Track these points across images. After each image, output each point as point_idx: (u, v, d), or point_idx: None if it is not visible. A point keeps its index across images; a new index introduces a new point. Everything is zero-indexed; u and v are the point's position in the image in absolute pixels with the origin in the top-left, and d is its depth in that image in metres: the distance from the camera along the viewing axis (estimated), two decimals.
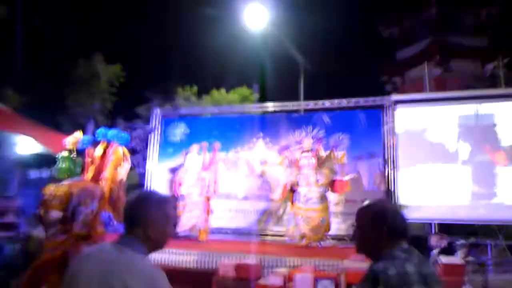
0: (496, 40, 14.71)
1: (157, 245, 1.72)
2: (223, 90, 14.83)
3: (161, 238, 1.71)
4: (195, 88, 14.42)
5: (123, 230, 1.71)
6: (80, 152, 6.46)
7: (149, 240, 1.66)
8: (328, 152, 7.64)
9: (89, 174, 5.57)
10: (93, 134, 6.28)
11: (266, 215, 8.98)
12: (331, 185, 7.41)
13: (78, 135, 6.35)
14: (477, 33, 15.61)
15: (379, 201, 1.85)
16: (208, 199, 7.97)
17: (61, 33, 11.77)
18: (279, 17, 12.63)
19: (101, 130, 6.25)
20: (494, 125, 8.08)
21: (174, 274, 5.54)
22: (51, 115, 9.93)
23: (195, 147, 8.24)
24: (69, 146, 5.72)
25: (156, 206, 1.70)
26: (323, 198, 7.26)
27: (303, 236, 7.23)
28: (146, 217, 1.67)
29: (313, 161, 7.37)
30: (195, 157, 8.11)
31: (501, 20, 15.23)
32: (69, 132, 9.23)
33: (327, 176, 7.37)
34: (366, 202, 1.78)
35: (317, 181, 7.27)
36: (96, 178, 5.66)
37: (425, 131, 8.51)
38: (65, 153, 4.62)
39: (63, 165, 4.47)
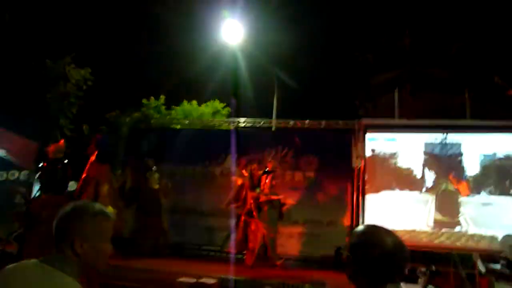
0: (465, 73, 15.24)
1: (90, 265, 1.50)
2: (194, 102, 14.63)
3: (94, 256, 1.48)
4: (162, 99, 14.08)
5: (54, 244, 1.49)
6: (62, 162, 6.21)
7: (79, 258, 1.45)
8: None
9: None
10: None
11: (229, 231, 8.77)
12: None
13: (62, 144, 6.07)
14: (447, 66, 16.14)
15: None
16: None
17: (27, 32, 11.35)
18: (254, 34, 12.69)
19: None
20: (460, 155, 8.23)
21: None
22: (12, 117, 9.46)
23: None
24: (53, 155, 5.42)
25: (88, 219, 1.48)
26: (276, 218, 7.55)
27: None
28: (76, 231, 1.45)
29: (270, 182, 7.61)
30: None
31: (470, 55, 15.83)
32: (32, 135, 8.84)
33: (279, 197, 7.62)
34: (359, 228, 1.51)
35: (273, 201, 7.46)
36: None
37: (393, 157, 8.57)
38: (43, 166, 4.34)
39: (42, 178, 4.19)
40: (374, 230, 1.47)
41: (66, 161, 6.32)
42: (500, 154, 7.98)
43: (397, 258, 1.39)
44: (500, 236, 7.15)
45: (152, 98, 13.93)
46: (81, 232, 1.45)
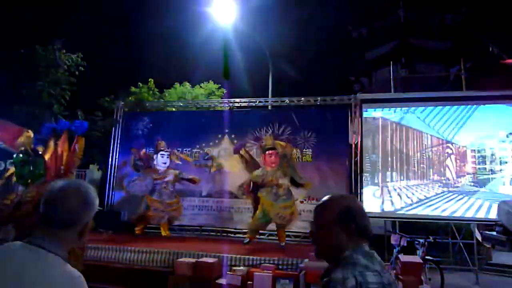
0: (460, 44, 15.10)
1: (70, 250, 1.49)
2: (187, 84, 14.41)
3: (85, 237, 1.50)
4: (151, 82, 13.78)
5: (41, 226, 1.46)
6: (36, 152, 6.11)
7: (71, 243, 1.45)
8: (288, 149, 7.61)
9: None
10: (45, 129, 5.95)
11: (229, 212, 8.82)
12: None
13: (29, 133, 5.99)
14: (442, 37, 15.98)
15: (343, 197, 1.59)
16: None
17: (17, 18, 11.12)
18: (248, 13, 12.47)
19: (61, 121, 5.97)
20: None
21: (127, 273, 5.31)
22: (4, 105, 9.37)
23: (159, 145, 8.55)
24: (22, 147, 5.34)
25: (93, 206, 1.48)
26: (290, 194, 7.38)
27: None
28: (87, 218, 1.45)
29: (276, 158, 7.36)
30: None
31: (465, 25, 15.66)
32: (26, 123, 8.79)
33: (288, 173, 7.39)
34: (326, 197, 1.54)
35: (280, 178, 7.27)
36: (59, 174, 5.31)
37: (388, 131, 8.56)
38: (22, 156, 4.25)
39: (24, 170, 4.11)
40: (340, 198, 1.54)
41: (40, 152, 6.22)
42: None
43: (364, 223, 1.47)
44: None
45: (140, 84, 13.60)
46: (87, 220, 1.47)
